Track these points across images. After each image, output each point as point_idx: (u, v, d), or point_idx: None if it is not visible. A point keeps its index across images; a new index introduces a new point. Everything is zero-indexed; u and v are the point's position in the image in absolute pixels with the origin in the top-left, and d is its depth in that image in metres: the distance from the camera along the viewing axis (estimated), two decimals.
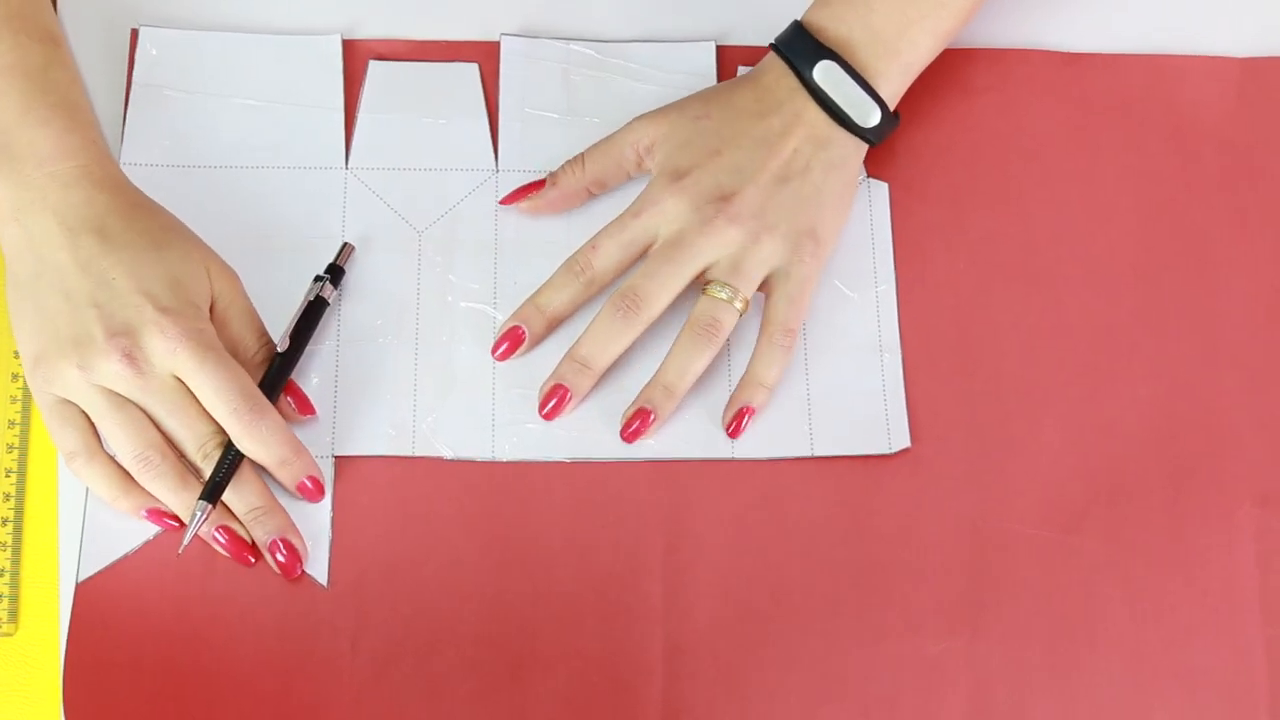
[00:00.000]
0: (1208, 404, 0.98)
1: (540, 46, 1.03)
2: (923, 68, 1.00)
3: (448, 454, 0.94)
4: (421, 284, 0.98)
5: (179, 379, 0.90)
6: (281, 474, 0.92)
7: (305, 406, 0.95)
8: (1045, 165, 1.03)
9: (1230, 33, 1.07)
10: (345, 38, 1.03)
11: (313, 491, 0.93)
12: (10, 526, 0.93)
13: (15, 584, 0.92)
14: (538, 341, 0.97)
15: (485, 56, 1.03)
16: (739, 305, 0.95)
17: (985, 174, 1.02)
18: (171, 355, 0.89)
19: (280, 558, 0.91)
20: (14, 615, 0.92)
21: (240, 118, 1.01)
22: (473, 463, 0.95)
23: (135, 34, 1.02)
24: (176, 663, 0.90)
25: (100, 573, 0.92)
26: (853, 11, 0.98)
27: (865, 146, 0.99)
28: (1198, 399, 0.98)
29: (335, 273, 0.96)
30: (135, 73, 1.01)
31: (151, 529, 0.92)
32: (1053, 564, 0.94)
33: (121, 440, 0.90)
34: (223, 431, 0.90)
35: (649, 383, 0.95)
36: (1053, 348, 0.99)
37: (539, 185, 0.99)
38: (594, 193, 1.00)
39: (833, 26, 0.98)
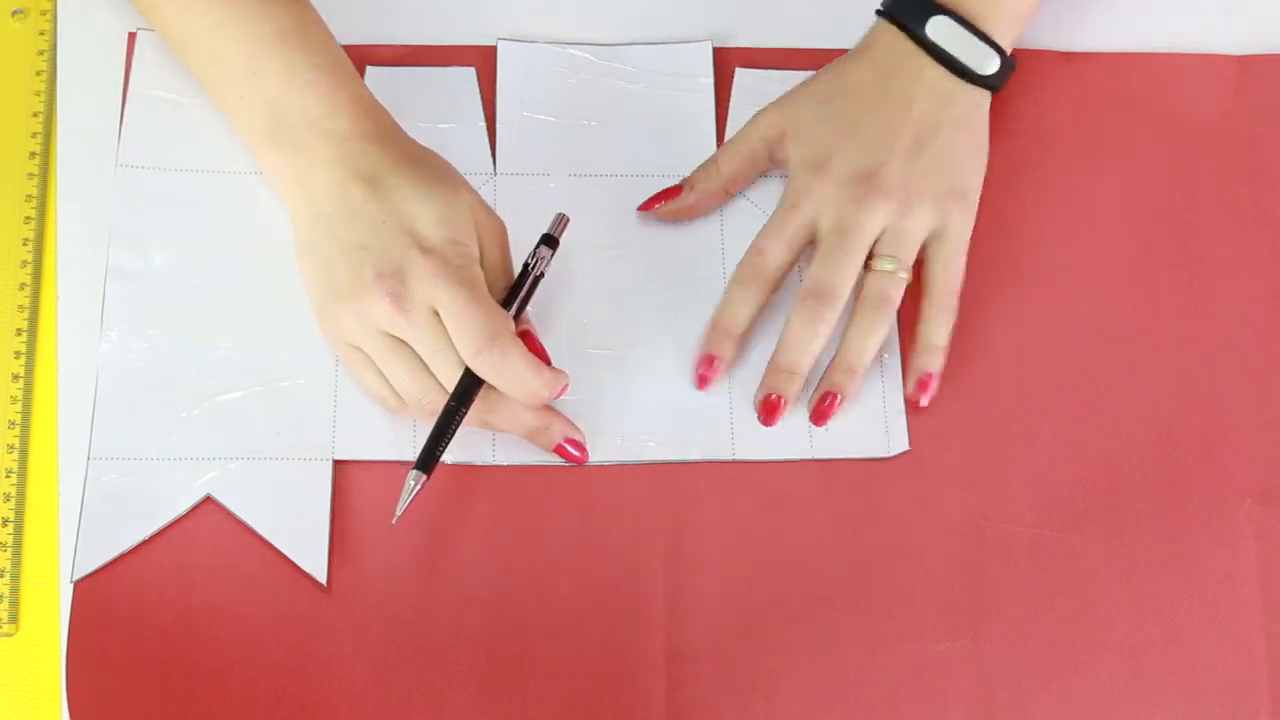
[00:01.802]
0: (1207, 402, 0.98)
1: (537, 50, 1.03)
2: (1031, 14, 1.01)
3: (447, 458, 0.94)
4: None
5: (439, 318, 0.90)
6: (534, 422, 0.93)
7: (543, 358, 0.94)
8: (1043, 163, 1.03)
9: (1227, 31, 1.07)
10: (343, 43, 1.02)
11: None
12: (10, 527, 0.93)
13: (15, 584, 0.93)
14: (733, 362, 0.97)
15: (482, 60, 1.03)
16: (904, 275, 0.96)
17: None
18: (431, 290, 0.89)
19: (575, 452, 0.95)
20: (14, 615, 0.92)
21: None
22: (473, 467, 0.95)
23: (133, 38, 1.02)
24: (177, 663, 0.90)
25: (99, 571, 0.92)
26: None
27: (989, 95, 1.00)
28: (1197, 397, 0.98)
29: (551, 244, 0.95)
30: (133, 76, 1.01)
31: (147, 528, 0.92)
32: (1053, 564, 0.95)
33: (402, 386, 0.91)
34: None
35: (830, 366, 0.96)
36: (1051, 347, 0.99)
37: (675, 191, 1.00)
38: (731, 192, 1.01)
39: None
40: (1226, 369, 0.99)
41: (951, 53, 0.98)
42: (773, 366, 0.96)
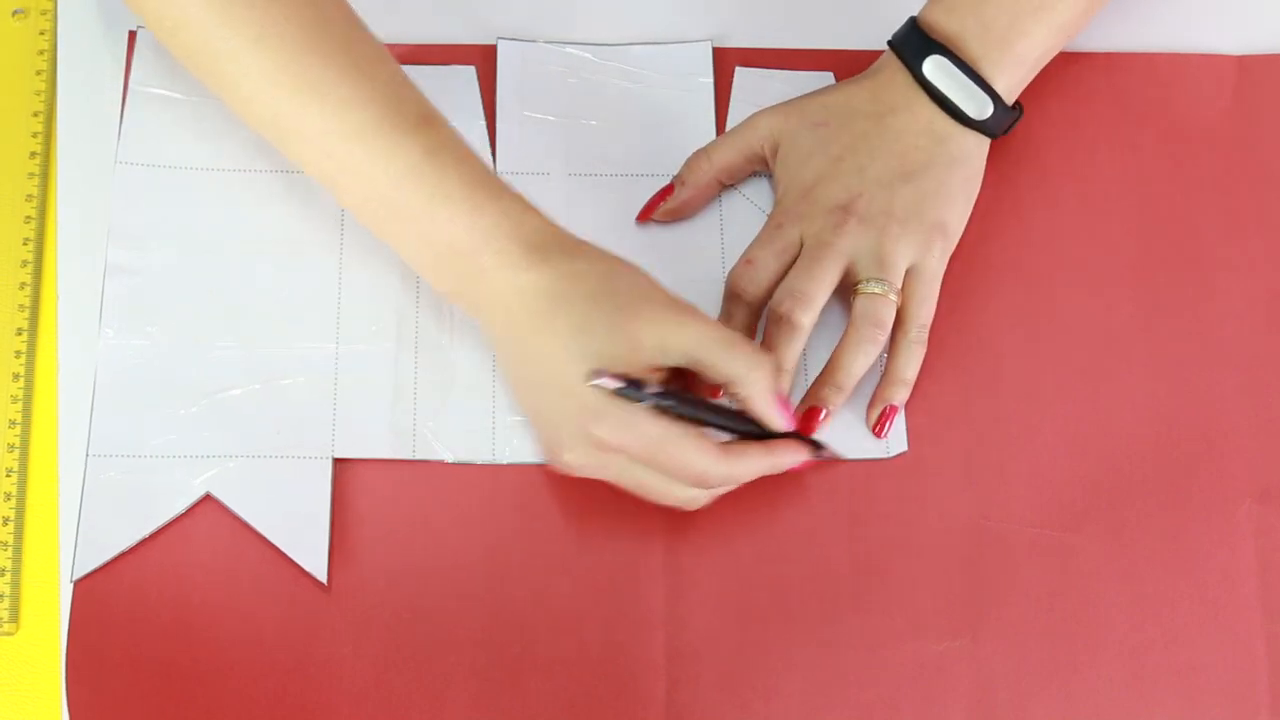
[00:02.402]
0: (1206, 401, 0.98)
1: (537, 50, 1.03)
2: (1040, 60, 1.00)
3: (448, 457, 0.95)
4: (421, 287, 0.98)
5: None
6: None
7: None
8: (1042, 164, 1.03)
9: (1226, 31, 1.07)
10: None
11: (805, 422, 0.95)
12: (11, 526, 0.93)
13: (16, 583, 0.93)
14: None
15: (482, 59, 1.03)
16: (894, 298, 0.95)
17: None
18: (615, 452, 0.88)
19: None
20: (14, 615, 0.92)
21: (237, 121, 0.99)
22: (473, 466, 0.95)
23: (133, 36, 1.02)
24: (177, 662, 0.90)
25: (98, 570, 0.92)
26: (965, 4, 0.98)
27: (987, 141, 0.99)
28: (1196, 396, 0.98)
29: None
30: (132, 74, 1.01)
31: (146, 526, 0.92)
32: (1053, 564, 0.94)
33: (649, 493, 0.91)
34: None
35: (818, 381, 0.96)
36: (1050, 347, 0.99)
37: (668, 190, 1.00)
38: (724, 184, 1.01)
39: (944, 21, 0.98)
40: (1226, 369, 0.99)
41: (946, 94, 0.98)
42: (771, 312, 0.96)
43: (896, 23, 1.00)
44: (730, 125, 1.03)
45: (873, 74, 1.01)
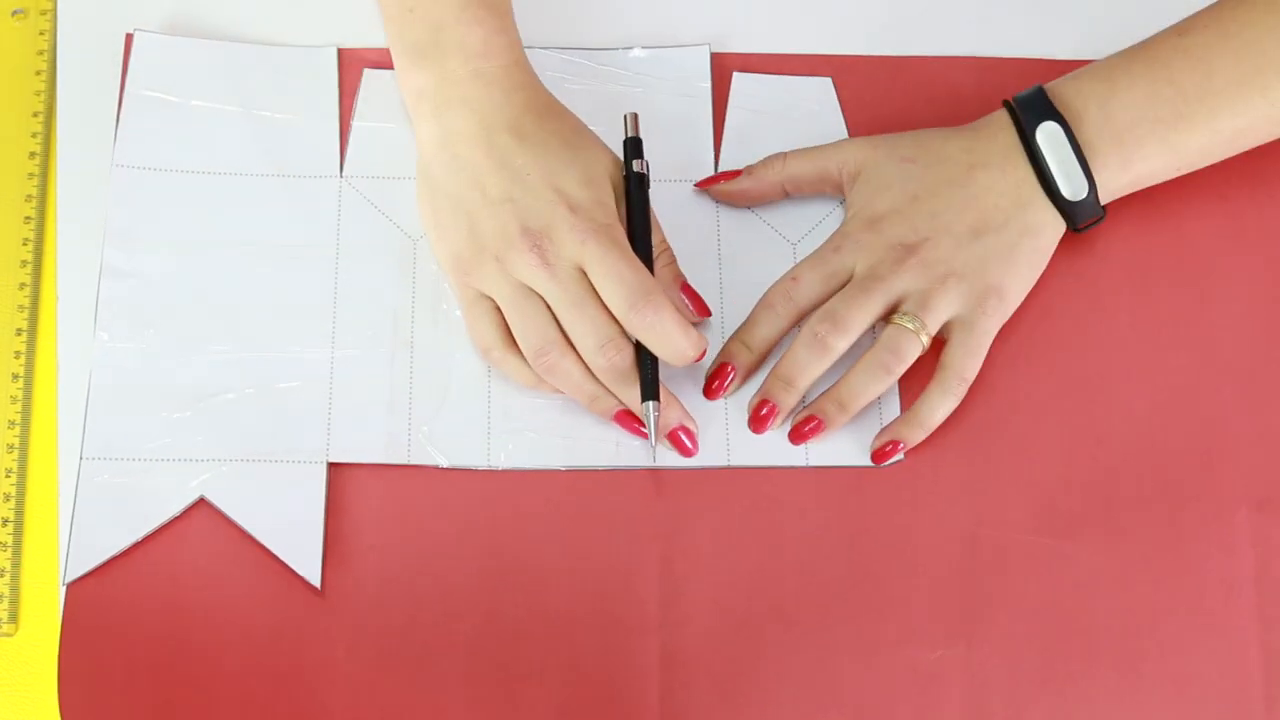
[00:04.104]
0: (1204, 410, 0.98)
1: (535, 54, 1.02)
2: (1148, 176, 0.99)
3: (443, 462, 0.94)
4: (416, 292, 0.98)
5: (585, 275, 0.92)
6: (676, 362, 0.93)
7: (701, 308, 0.97)
8: None
9: None
10: (340, 46, 1.03)
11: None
12: (10, 527, 0.93)
13: (15, 584, 0.93)
14: (748, 375, 0.98)
15: None
16: (924, 339, 0.95)
17: None
18: (579, 248, 0.91)
19: (687, 443, 0.95)
20: (14, 615, 0.92)
21: (234, 124, 1.01)
22: (468, 471, 0.95)
23: (130, 38, 1.02)
24: (170, 666, 0.90)
25: (91, 574, 0.92)
26: (1097, 89, 0.97)
27: (1064, 225, 0.98)
28: (1193, 405, 0.98)
29: (636, 145, 0.98)
30: (129, 78, 1.02)
31: (140, 529, 0.92)
32: (1048, 572, 0.94)
33: (522, 333, 0.93)
34: (624, 334, 0.92)
35: (825, 394, 0.96)
36: (1047, 355, 0.99)
37: (736, 173, 1.01)
38: (789, 192, 1.01)
39: (1072, 97, 0.97)
40: (1223, 377, 0.99)
41: (1049, 161, 0.96)
42: (772, 375, 0.96)
43: (894, 28, 1.01)
44: (728, 129, 1.03)
45: (977, 126, 1.00)
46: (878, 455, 0.96)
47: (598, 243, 0.91)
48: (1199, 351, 0.99)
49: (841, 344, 0.95)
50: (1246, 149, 0.99)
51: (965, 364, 0.96)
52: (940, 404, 0.95)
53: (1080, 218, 0.98)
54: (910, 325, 0.94)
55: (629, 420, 0.94)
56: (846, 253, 0.97)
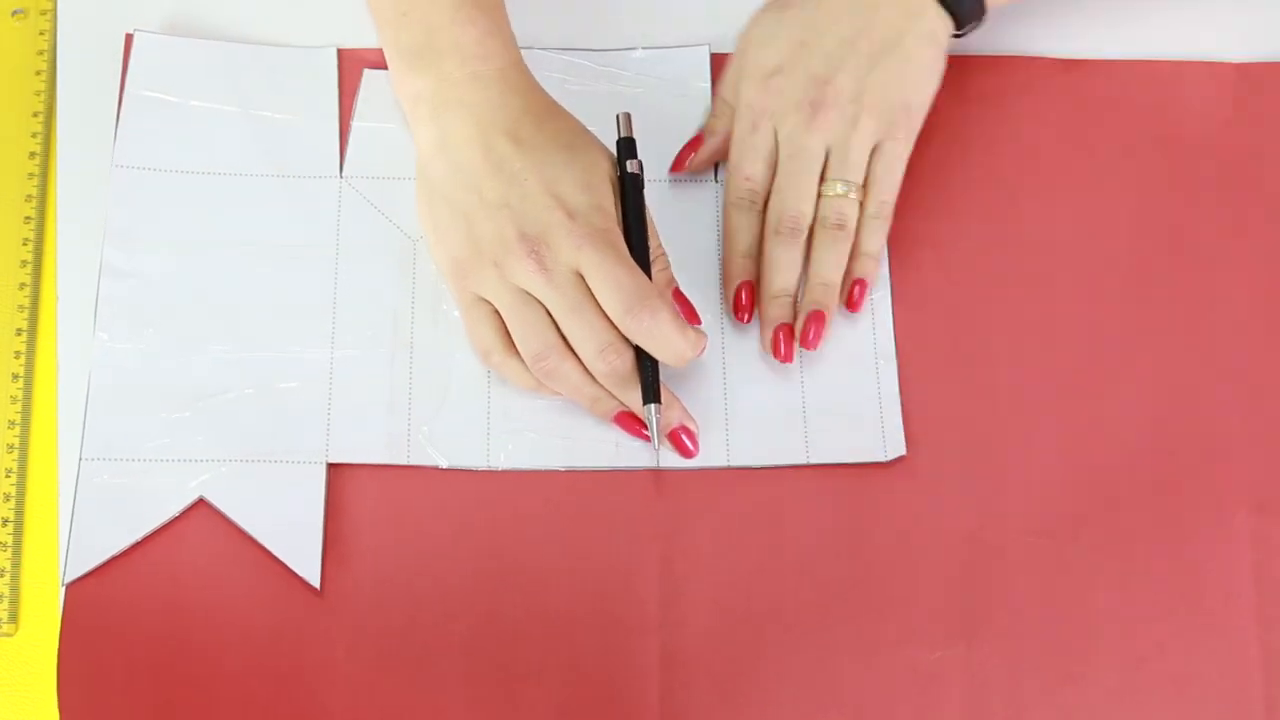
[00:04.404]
0: (1203, 411, 0.98)
1: (534, 55, 1.02)
2: None
3: (442, 463, 0.95)
4: (416, 292, 0.98)
5: (583, 279, 0.91)
6: (675, 363, 0.93)
7: (692, 315, 0.97)
8: (1041, 172, 1.03)
9: (1226, 38, 1.07)
10: (339, 46, 1.03)
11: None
12: (10, 527, 0.93)
13: (15, 584, 0.93)
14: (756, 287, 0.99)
15: None
16: (854, 195, 0.97)
17: (981, 181, 1.02)
18: (576, 253, 0.91)
19: (688, 444, 0.95)
20: (14, 615, 0.92)
21: (234, 125, 1.01)
22: (468, 471, 0.95)
23: (130, 39, 1.02)
24: (170, 666, 0.91)
25: (91, 574, 0.92)
26: None
27: (951, 25, 1.00)
28: (1193, 405, 0.98)
29: (630, 145, 0.97)
30: (129, 78, 1.01)
31: (139, 530, 0.92)
32: (1048, 572, 0.94)
33: (521, 338, 0.93)
34: (623, 338, 0.92)
35: (805, 288, 0.97)
36: (1048, 355, 0.99)
37: (697, 141, 1.02)
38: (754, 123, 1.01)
39: None
40: (1223, 378, 0.99)
41: None
42: (769, 295, 0.97)
43: None
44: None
45: None
46: (850, 302, 0.98)
47: (594, 248, 0.90)
48: (1200, 353, 0.99)
49: (805, 235, 0.97)
50: None
51: (885, 185, 0.98)
52: (874, 231, 0.98)
53: (967, 19, 1.00)
54: (841, 190, 0.97)
55: (630, 422, 0.94)
56: (763, 126, 0.98)
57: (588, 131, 0.96)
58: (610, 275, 0.90)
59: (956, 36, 1.01)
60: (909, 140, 0.99)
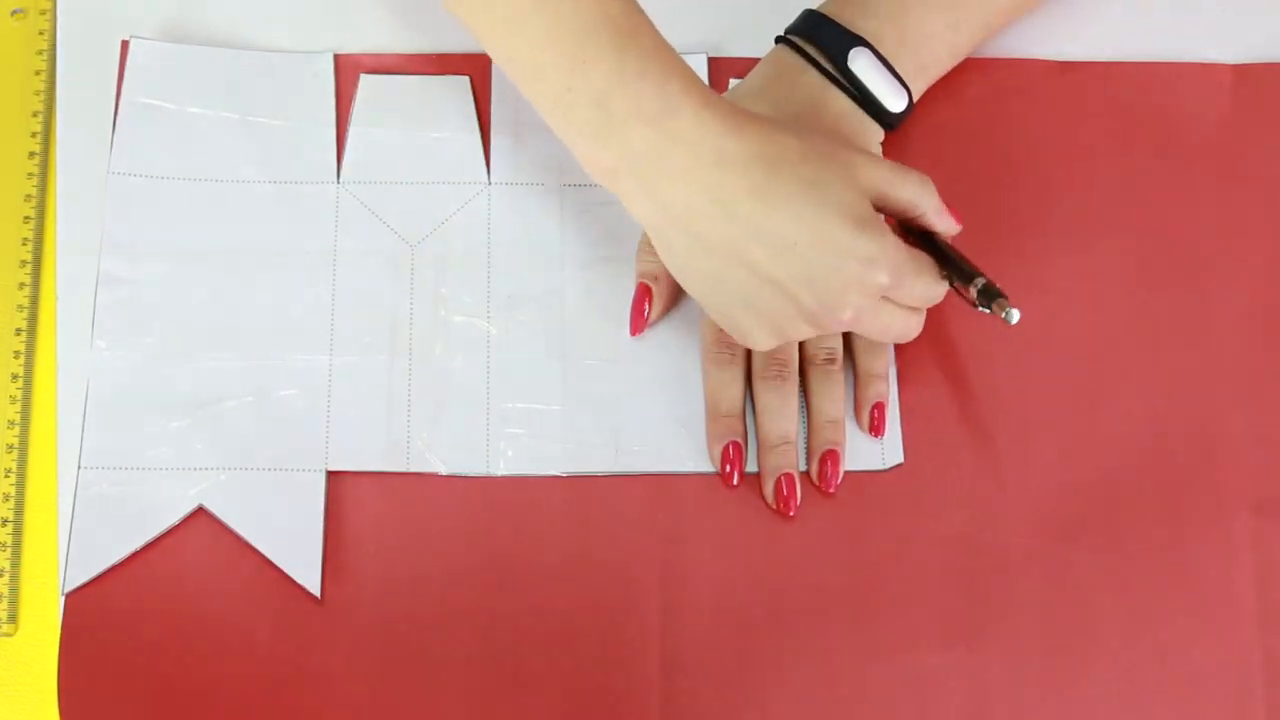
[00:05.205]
0: (1203, 413, 0.98)
1: None
2: (938, 75, 1.01)
3: (442, 469, 0.95)
4: (414, 298, 0.98)
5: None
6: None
7: (958, 218, 0.93)
8: (1038, 174, 1.02)
9: (1223, 39, 1.06)
10: (336, 51, 1.02)
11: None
12: (10, 527, 0.93)
13: (15, 584, 0.93)
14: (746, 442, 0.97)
15: (477, 69, 1.02)
16: (839, 366, 0.97)
17: (977, 184, 1.02)
18: (886, 295, 0.89)
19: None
20: (14, 616, 0.92)
21: (231, 131, 1.00)
22: (467, 478, 0.95)
23: (126, 45, 1.02)
24: (170, 676, 0.91)
25: (90, 583, 0.92)
26: (882, 9, 0.98)
27: (882, 132, 0.99)
28: (1193, 408, 0.98)
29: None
30: (125, 85, 1.01)
31: (138, 539, 0.92)
32: (1049, 576, 0.94)
33: (888, 331, 0.92)
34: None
35: (811, 428, 0.96)
36: (1047, 358, 0.99)
37: (643, 293, 0.97)
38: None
39: (861, 21, 0.97)
40: (1223, 380, 0.99)
41: (868, 86, 0.96)
42: (768, 445, 0.95)
43: None
44: None
45: (766, 82, 0.98)
46: (873, 428, 0.96)
47: (908, 284, 0.89)
48: (1199, 355, 0.99)
49: (794, 365, 0.96)
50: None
51: (874, 362, 0.97)
52: (874, 354, 0.97)
53: (899, 122, 0.99)
54: (825, 365, 0.97)
55: None
56: (738, 357, 0.97)
57: (818, 148, 0.88)
58: (922, 295, 0.91)
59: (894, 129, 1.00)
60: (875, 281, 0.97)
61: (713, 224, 0.86)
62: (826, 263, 0.86)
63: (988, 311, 0.89)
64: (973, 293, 0.90)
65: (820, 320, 0.88)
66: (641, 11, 0.87)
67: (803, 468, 0.96)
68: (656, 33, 0.87)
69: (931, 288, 0.91)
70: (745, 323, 0.90)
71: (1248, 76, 1.05)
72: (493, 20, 0.88)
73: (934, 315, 0.97)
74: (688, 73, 0.86)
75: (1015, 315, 0.88)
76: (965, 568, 0.95)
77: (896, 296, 0.90)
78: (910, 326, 0.93)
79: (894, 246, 0.87)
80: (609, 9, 0.86)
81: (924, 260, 0.91)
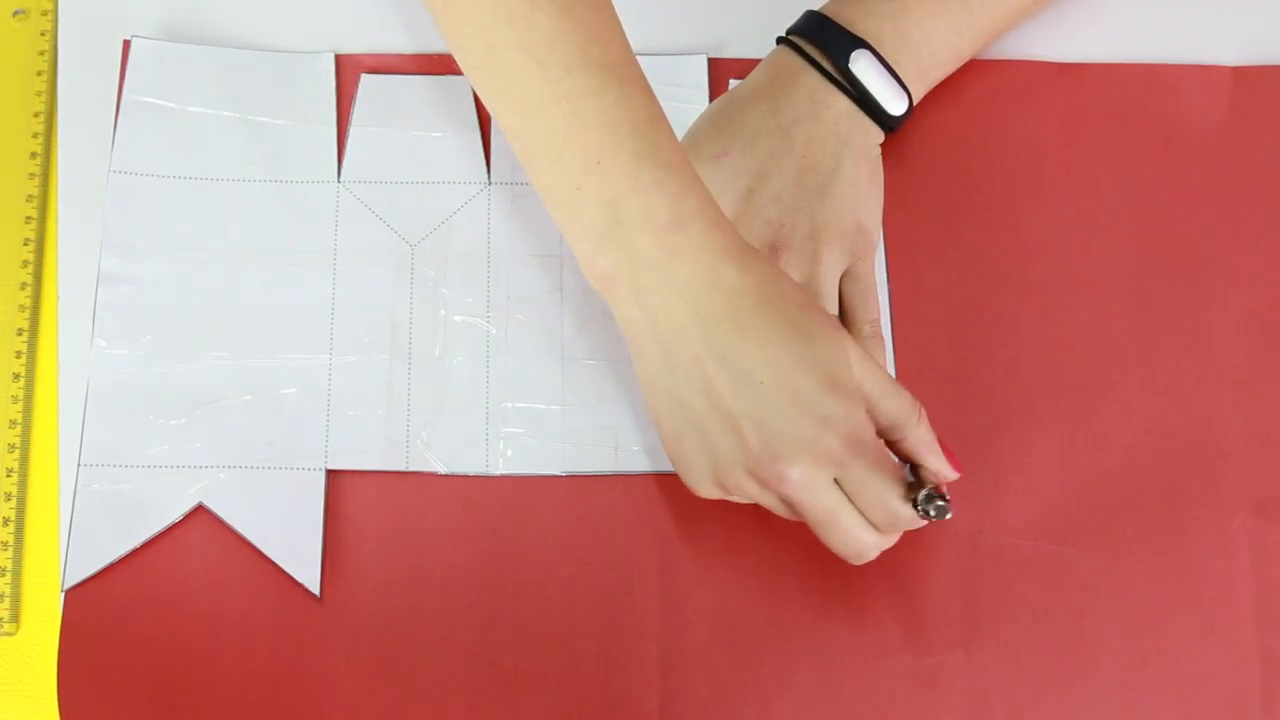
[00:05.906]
0: (1202, 414, 0.98)
1: None
2: (939, 78, 1.01)
3: (441, 469, 0.95)
4: (414, 297, 0.98)
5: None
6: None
7: (957, 465, 0.91)
8: (1038, 176, 1.02)
9: (1223, 41, 1.06)
10: (337, 51, 1.02)
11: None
12: (12, 526, 0.93)
13: (16, 583, 0.93)
14: None
15: None
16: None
17: (978, 185, 1.02)
18: (835, 469, 0.85)
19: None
20: (15, 615, 0.92)
21: (231, 131, 1.00)
22: (467, 477, 0.95)
23: (128, 44, 1.02)
24: (169, 674, 0.91)
25: (90, 580, 0.92)
26: (883, 10, 0.98)
27: (882, 134, 0.99)
28: (1192, 409, 0.98)
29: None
30: (126, 84, 1.01)
31: (138, 536, 0.92)
32: (1048, 576, 0.94)
33: (834, 528, 0.89)
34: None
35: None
36: (1046, 359, 0.98)
37: None
38: None
39: (862, 21, 0.98)
40: (1222, 381, 0.99)
41: (869, 89, 0.97)
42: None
43: None
44: None
45: (768, 84, 0.99)
46: None
47: (861, 468, 0.86)
48: (1198, 356, 0.99)
49: None
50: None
51: (865, 308, 0.96)
52: (873, 351, 0.96)
53: (899, 124, 0.99)
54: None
55: None
56: None
57: (814, 304, 0.88)
58: (876, 495, 0.86)
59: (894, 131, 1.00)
60: (872, 257, 0.97)
61: (689, 342, 0.85)
62: (784, 410, 0.84)
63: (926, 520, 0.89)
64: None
65: (763, 472, 0.85)
66: (663, 116, 0.86)
67: None
68: (675, 139, 0.86)
69: (887, 497, 0.87)
70: (690, 455, 0.88)
71: (1248, 78, 1.05)
72: (509, 99, 0.86)
73: (934, 315, 0.97)
74: (704, 191, 0.85)
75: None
76: (964, 569, 0.94)
77: (850, 488, 0.87)
78: (863, 542, 0.89)
79: (862, 423, 0.86)
80: (634, 111, 0.84)
81: (890, 467, 0.87)
